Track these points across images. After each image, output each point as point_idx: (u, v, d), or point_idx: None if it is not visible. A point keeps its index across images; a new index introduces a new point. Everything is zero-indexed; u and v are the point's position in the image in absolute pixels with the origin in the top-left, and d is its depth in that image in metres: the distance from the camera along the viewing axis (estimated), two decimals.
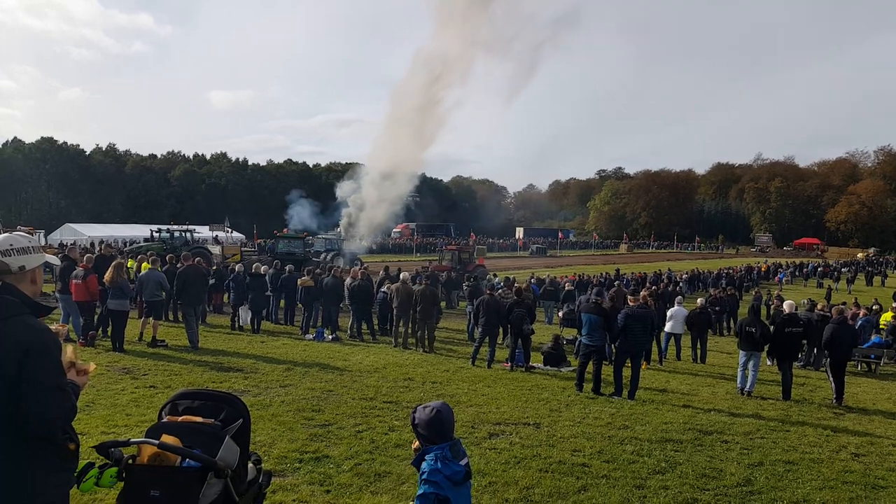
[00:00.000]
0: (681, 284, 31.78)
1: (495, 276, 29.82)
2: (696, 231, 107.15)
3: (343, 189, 52.39)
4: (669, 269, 42.66)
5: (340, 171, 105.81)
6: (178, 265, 15.24)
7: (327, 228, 59.03)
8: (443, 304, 24.58)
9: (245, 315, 16.66)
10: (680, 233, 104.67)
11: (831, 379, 11.95)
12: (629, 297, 11.92)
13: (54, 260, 3.55)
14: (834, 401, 11.68)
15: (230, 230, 49.06)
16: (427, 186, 63.30)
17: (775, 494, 6.57)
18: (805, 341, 15.88)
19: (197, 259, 15.73)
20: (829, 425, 9.86)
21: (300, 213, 60.05)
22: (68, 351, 3.17)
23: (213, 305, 19.80)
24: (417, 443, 3.48)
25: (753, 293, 31.20)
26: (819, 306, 17.64)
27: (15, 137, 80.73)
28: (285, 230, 50.91)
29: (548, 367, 13.75)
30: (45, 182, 77.53)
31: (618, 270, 39.78)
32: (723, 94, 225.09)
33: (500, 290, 18.54)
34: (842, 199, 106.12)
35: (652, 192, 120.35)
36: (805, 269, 55.50)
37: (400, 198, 53.13)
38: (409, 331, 15.62)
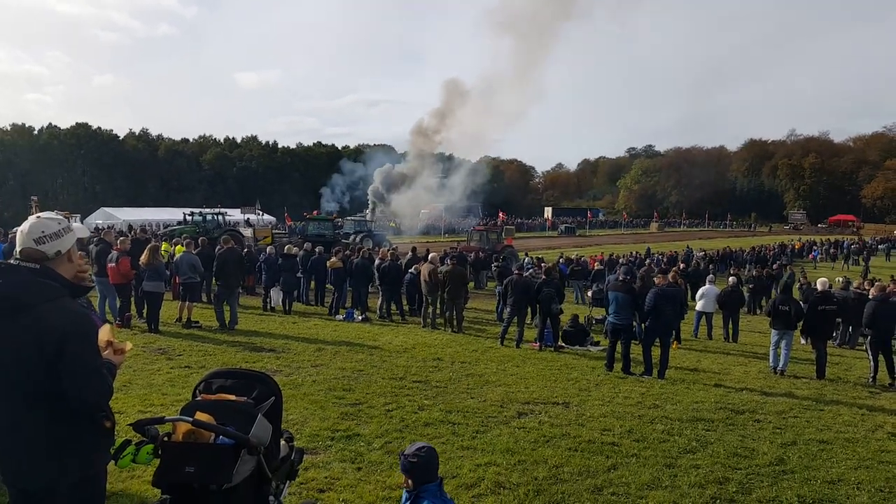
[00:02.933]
0: (711, 264, 31.33)
1: (527, 255, 29.73)
2: (728, 209, 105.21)
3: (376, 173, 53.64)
4: (689, 247, 42.13)
5: (371, 153, 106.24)
6: (218, 248, 15.49)
7: (356, 210, 59.40)
8: (471, 284, 24.60)
9: (276, 296, 16.84)
10: (711, 211, 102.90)
11: (870, 357, 11.72)
12: (658, 275, 11.77)
13: (84, 232, 3.61)
14: (870, 381, 11.47)
15: (261, 213, 49.43)
16: (454, 166, 63.03)
17: (809, 474, 6.49)
18: (839, 319, 15.59)
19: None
20: (864, 404, 9.69)
21: (335, 195, 60.77)
22: (106, 330, 3.23)
23: (245, 287, 20.05)
24: (409, 481, 3.52)
25: (787, 271, 30.64)
26: (855, 284, 17.27)
27: (50, 123, 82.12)
28: (316, 212, 51.23)
29: (576, 347, 13.71)
30: (81, 167, 78.92)
31: (648, 249, 39.39)
32: (755, 68, 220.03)
33: (529, 271, 18.47)
34: (878, 175, 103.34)
35: (683, 169, 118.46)
36: (841, 247, 54.28)
37: (464, 184, 54.30)
38: (438, 311, 15.67)
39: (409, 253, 20.57)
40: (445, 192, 57.34)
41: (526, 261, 24.24)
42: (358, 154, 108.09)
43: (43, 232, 3.04)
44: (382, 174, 56.31)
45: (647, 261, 27.85)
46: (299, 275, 18.19)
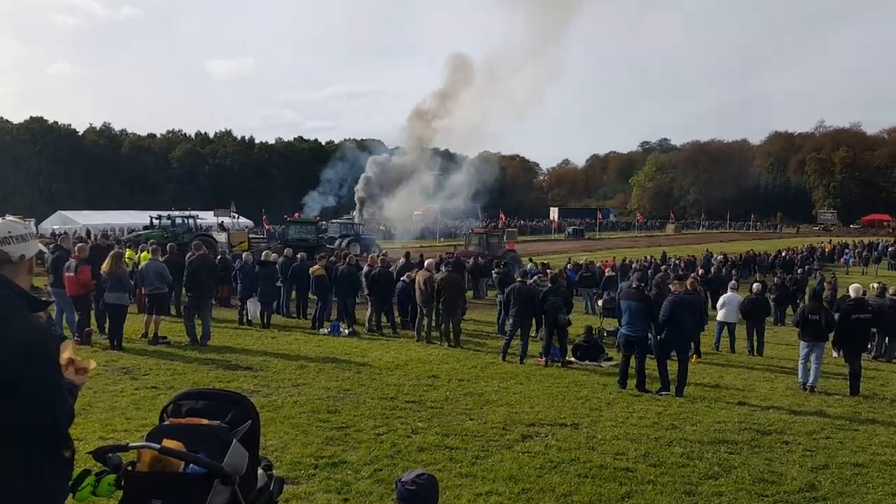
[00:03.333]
0: (733, 268, 31.42)
1: (531, 260, 29.77)
2: (752, 208, 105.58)
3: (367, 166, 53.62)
4: (708, 250, 42.22)
5: (357, 148, 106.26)
6: (189, 255, 15.46)
7: (342, 212, 59.39)
8: (469, 293, 24.63)
9: (254, 308, 16.83)
10: (733, 210, 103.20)
11: None
12: (675, 282, 11.79)
13: (45, 248, 3.61)
14: None
15: (236, 215, 49.50)
16: (450, 163, 63.06)
17: (843, 501, 6.49)
18: (875, 330, 15.63)
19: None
20: None
21: (319, 195, 60.72)
22: (66, 347, 3.22)
23: (219, 298, 20.03)
24: None
25: (816, 277, 30.76)
26: (891, 290, 17.34)
27: (0, 118, 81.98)
28: (297, 214, 51.21)
29: (585, 362, 13.72)
30: (35, 166, 78.70)
31: (664, 254, 39.49)
32: (780, 54, 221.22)
33: (533, 278, 18.52)
34: None
35: (701, 165, 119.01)
36: (874, 250, 54.47)
37: (468, 183, 54.25)
38: (433, 323, 15.69)
39: (402, 259, 20.58)
40: (442, 191, 57.34)
41: (530, 267, 24.26)
42: (343, 150, 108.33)
43: (9, 232, 3.03)
44: (377, 165, 55.94)
45: (664, 266, 27.94)
46: (279, 284, 18.19)
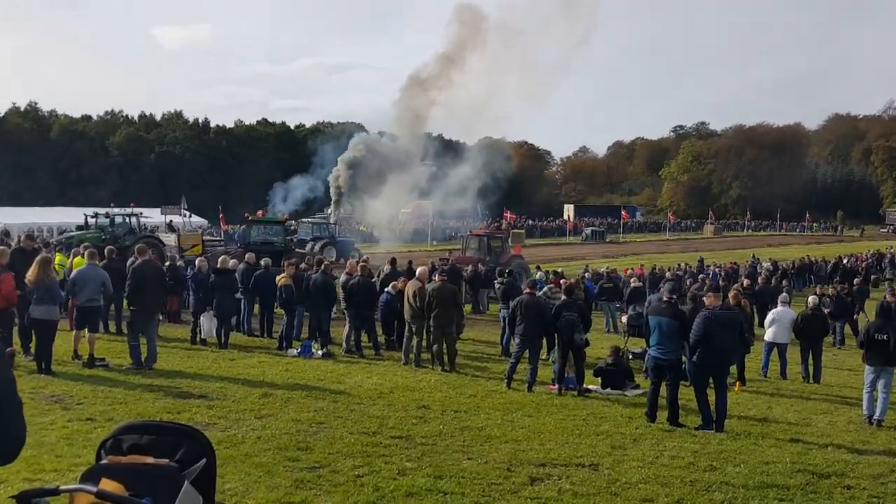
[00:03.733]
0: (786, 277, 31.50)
1: (539, 268, 29.82)
2: (807, 206, 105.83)
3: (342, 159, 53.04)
4: (755, 257, 42.32)
5: (333, 133, 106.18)
6: (131, 260, 15.44)
7: (315, 210, 59.28)
8: (467, 307, 24.66)
9: (209, 324, 16.82)
10: (785, 209, 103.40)
11: None
12: (709, 294, 11.80)
13: None
14: None
15: (188, 213, 49.43)
16: (446, 151, 63.03)
17: None
18: None
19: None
20: None
21: (293, 192, 60.48)
22: None
23: (167, 312, 20.02)
24: None
25: (886, 288, 30.85)
26: None
27: None
28: (260, 212, 51.20)
29: (608, 390, 13.74)
30: None
31: (701, 260, 39.57)
32: (839, 22, 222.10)
33: (544, 289, 18.55)
34: None
35: (746, 154, 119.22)
36: None
37: (470, 174, 53.75)
38: (424, 343, 15.71)
39: (386, 266, 20.61)
40: (437, 185, 57.30)
41: (540, 276, 24.32)
42: (317, 135, 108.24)
43: None
44: (363, 147, 55.01)
45: (701, 276, 27.98)
46: (239, 296, 18.20)
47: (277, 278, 17.94)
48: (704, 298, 11.94)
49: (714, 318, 10.96)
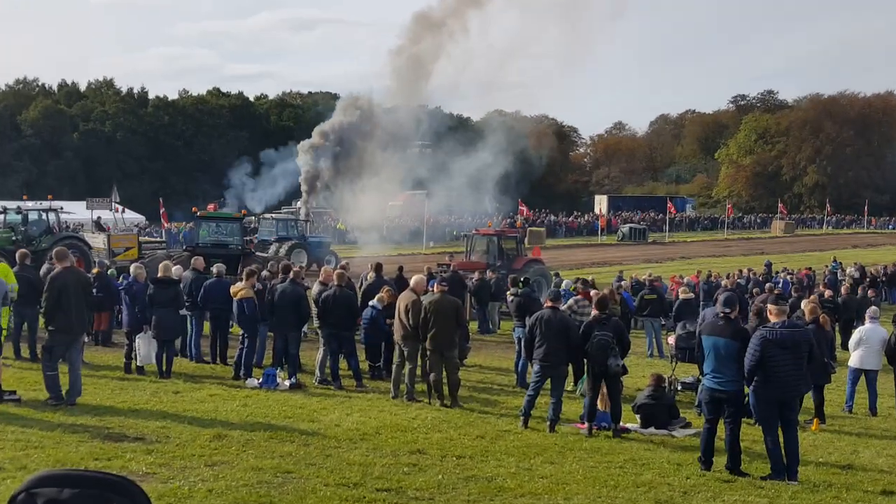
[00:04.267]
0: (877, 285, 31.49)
1: (557, 275, 29.78)
2: None
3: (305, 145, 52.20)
4: (836, 261, 42.24)
5: (301, 106, 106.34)
6: (48, 267, 15.41)
7: (283, 203, 59.20)
8: (473, 325, 24.64)
9: (147, 348, 16.78)
10: (874, 200, 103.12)
11: None
12: (770, 307, 11.72)
13: None
14: None
15: (121, 208, 49.43)
16: (446, 127, 62.77)
17: None
18: None
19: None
20: None
21: (245, 178, 60.26)
22: None
23: (95, 333, 20.00)
24: None
25: None
26: None
27: None
28: (212, 206, 51.15)
29: (650, 430, 13.72)
30: None
31: (768, 266, 39.55)
32: None
33: (570, 302, 18.53)
34: None
35: (825, 131, 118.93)
36: None
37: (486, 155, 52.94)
38: (419, 371, 15.72)
39: (370, 273, 20.58)
40: (434, 171, 57.10)
41: (565, 285, 24.33)
42: (282, 108, 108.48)
43: None
44: (353, 112, 53.71)
45: (768, 284, 28.02)
46: (185, 312, 18.17)
47: (233, 289, 17.84)
48: (767, 312, 11.89)
49: (773, 338, 10.87)
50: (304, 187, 52.95)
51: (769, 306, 11.69)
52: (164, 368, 16.61)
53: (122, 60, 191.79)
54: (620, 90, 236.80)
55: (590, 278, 27.33)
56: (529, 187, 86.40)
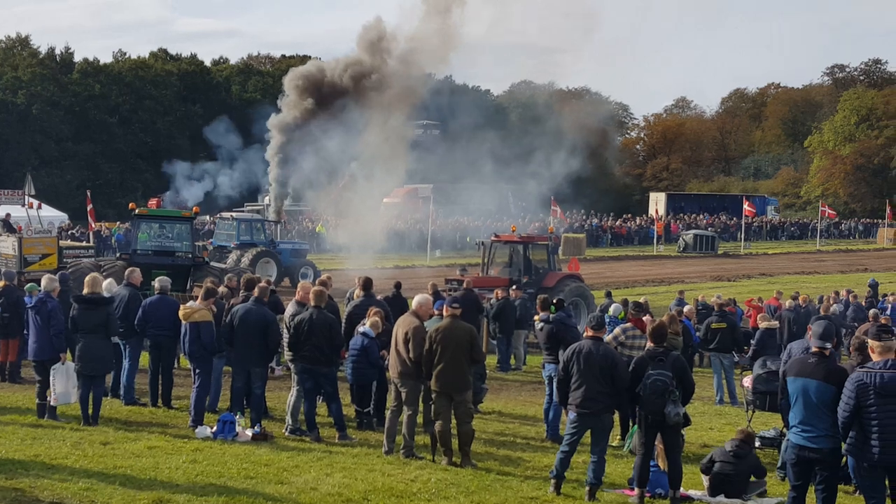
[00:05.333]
0: None
1: (609, 296, 29.71)
2: None
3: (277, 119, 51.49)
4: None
5: (271, 74, 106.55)
6: None
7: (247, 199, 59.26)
8: (491, 360, 24.58)
9: (65, 384, 16.77)
10: None
11: None
12: (872, 342, 11.57)
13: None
14: None
15: (36, 203, 49.51)
16: (458, 104, 62.74)
17: None
18: None
19: None
20: None
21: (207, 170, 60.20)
22: None
23: (1, 365, 19.99)
24: None
25: None
26: None
27: None
28: (154, 202, 51.24)
29: (720, 498, 13.68)
30: None
31: (873, 286, 39.42)
32: None
33: (616, 332, 18.47)
34: None
35: None
36: None
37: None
38: (420, 419, 15.72)
39: (357, 290, 20.56)
40: (442, 158, 57.11)
41: (613, 309, 24.22)
42: (246, 76, 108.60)
43: None
44: (301, 81, 52.72)
45: (873, 311, 27.90)
46: (117, 339, 18.14)
47: (185, 310, 17.77)
48: (870, 349, 11.76)
49: (872, 383, 10.79)
50: (272, 180, 52.34)
51: (870, 341, 11.45)
52: (89, 412, 16.50)
53: (38, 11, 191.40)
54: (683, 56, 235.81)
55: (642, 300, 27.16)
56: (565, 181, 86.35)
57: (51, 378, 16.76)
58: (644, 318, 19.34)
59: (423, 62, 51.76)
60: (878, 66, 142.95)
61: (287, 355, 17.24)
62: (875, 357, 10.89)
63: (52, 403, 16.76)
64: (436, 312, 16.47)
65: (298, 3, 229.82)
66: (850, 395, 10.60)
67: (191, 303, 17.86)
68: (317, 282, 20.42)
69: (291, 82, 51.67)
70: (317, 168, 52.60)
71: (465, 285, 27.01)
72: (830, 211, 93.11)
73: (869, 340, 11.40)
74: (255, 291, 17.62)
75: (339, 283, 25.76)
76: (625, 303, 25.33)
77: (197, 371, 17.15)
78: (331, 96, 50.69)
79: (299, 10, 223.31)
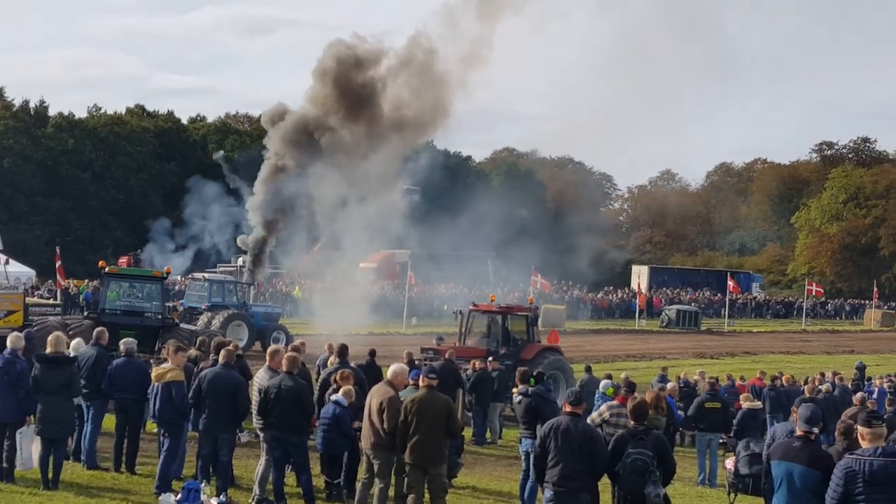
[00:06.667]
0: None
1: (589, 371, 29.66)
2: None
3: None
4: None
5: (248, 133, 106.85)
6: None
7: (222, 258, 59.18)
8: (466, 432, 24.48)
9: (28, 448, 16.64)
10: None
11: None
12: (861, 429, 11.46)
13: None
14: None
15: (3, 258, 49.37)
16: (439, 171, 63.01)
17: None
18: None
19: None
20: None
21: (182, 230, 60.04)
22: None
23: None
24: None
25: None
26: None
27: None
28: (125, 260, 51.09)
29: None
30: None
31: (860, 369, 39.49)
32: None
33: (602, 409, 18.42)
34: None
35: None
36: None
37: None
38: (392, 492, 15.62)
39: (332, 357, 20.50)
40: (421, 224, 57.20)
41: (604, 385, 24.12)
42: (223, 134, 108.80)
43: None
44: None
45: (859, 394, 27.92)
46: (80, 401, 18.00)
47: (158, 370, 17.65)
48: (857, 435, 11.67)
49: (862, 471, 10.73)
50: (251, 239, 51.80)
51: (860, 427, 11.34)
52: (49, 476, 16.32)
53: (14, 63, 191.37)
54: (669, 128, 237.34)
55: (623, 375, 27.07)
56: (546, 251, 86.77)
57: (17, 439, 16.61)
58: (627, 396, 19.33)
59: (412, 131, 52.08)
60: (867, 144, 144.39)
61: (256, 422, 17.10)
62: (864, 444, 10.74)
63: (19, 468, 16.61)
64: (411, 382, 16.37)
65: (277, 62, 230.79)
66: (839, 482, 10.50)
67: (163, 364, 17.75)
68: (290, 347, 20.34)
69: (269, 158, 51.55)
70: (294, 229, 52.86)
71: (446, 356, 26.95)
72: (818, 289, 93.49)
73: (858, 427, 11.26)
74: (222, 355, 17.48)
75: (312, 348, 25.65)
76: (608, 377, 25.36)
77: (166, 435, 16.95)
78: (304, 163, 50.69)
79: (278, 69, 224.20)
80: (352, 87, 50.16)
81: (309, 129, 49.98)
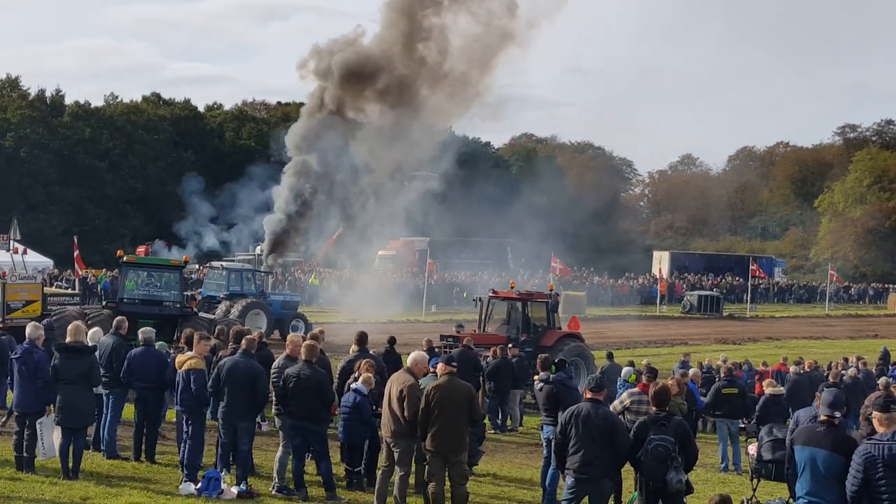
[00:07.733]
0: None
1: (611, 358, 29.54)
2: None
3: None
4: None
5: (266, 121, 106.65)
6: None
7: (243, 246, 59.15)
8: (487, 420, 24.45)
9: (49, 436, 16.65)
10: None
11: None
12: (876, 414, 11.40)
13: None
14: None
15: (21, 248, 49.44)
16: (458, 158, 62.64)
17: None
18: None
19: None
20: None
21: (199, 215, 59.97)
22: None
23: None
24: None
25: None
26: None
27: None
28: (143, 249, 51.11)
29: None
30: None
31: (885, 354, 39.27)
32: None
33: (623, 395, 18.39)
34: None
35: None
36: None
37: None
38: (413, 479, 15.65)
39: (353, 347, 20.45)
40: (440, 211, 56.97)
41: (626, 372, 24.04)
42: (240, 123, 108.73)
43: None
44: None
45: (883, 378, 27.82)
46: (101, 390, 18.03)
47: (179, 359, 17.65)
48: (873, 418, 11.58)
49: (881, 456, 10.65)
50: (268, 229, 51.51)
51: (874, 412, 11.26)
52: (70, 466, 16.31)
53: (30, 53, 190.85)
54: (691, 112, 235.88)
55: (644, 362, 26.96)
56: (566, 237, 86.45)
57: (39, 428, 16.59)
58: (647, 382, 19.22)
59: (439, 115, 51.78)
60: (891, 126, 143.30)
61: (275, 410, 17.06)
62: (879, 428, 10.71)
63: (40, 458, 16.61)
64: (431, 370, 16.33)
65: (295, 49, 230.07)
66: (859, 467, 10.44)
67: (185, 352, 17.76)
68: (308, 335, 20.28)
69: (291, 142, 51.17)
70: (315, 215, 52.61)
71: (464, 342, 26.97)
72: (835, 272, 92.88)
73: (873, 411, 11.23)
74: (244, 343, 17.40)
75: (332, 336, 25.65)
76: (630, 364, 25.26)
77: (189, 422, 16.86)
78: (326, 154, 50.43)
79: (296, 56, 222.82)
80: (416, 22, 50.06)
81: (368, 70, 49.65)
